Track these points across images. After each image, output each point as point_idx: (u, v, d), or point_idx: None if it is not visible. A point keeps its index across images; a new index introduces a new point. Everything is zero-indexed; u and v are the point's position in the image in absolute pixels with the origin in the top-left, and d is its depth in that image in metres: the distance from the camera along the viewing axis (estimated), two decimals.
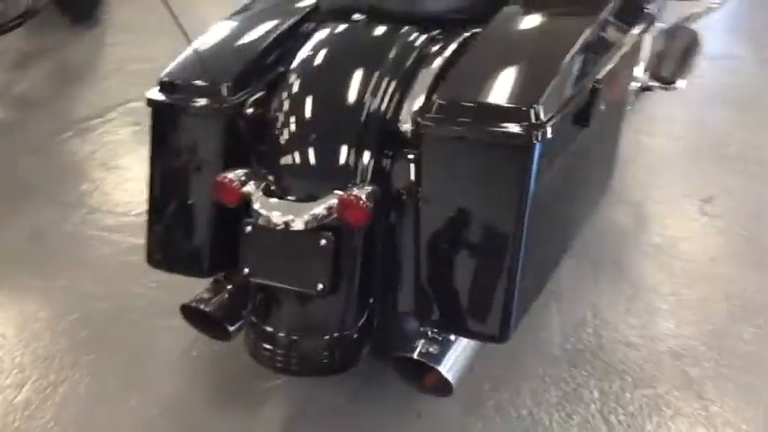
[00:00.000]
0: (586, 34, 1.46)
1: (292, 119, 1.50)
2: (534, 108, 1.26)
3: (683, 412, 1.73)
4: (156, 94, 1.63)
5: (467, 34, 1.59)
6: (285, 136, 1.49)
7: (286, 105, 1.51)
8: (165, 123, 1.64)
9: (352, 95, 1.47)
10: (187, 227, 1.64)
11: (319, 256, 1.40)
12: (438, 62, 1.52)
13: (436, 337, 1.45)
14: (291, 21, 1.72)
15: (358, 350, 1.49)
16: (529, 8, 1.58)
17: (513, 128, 1.26)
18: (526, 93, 1.30)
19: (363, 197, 1.35)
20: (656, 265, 2.22)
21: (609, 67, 1.56)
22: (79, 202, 2.62)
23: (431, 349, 1.42)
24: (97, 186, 2.72)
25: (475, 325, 1.37)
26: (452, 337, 1.46)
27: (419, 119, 1.35)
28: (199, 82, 1.58)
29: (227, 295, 1.65)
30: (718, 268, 2.19)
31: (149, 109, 1.64)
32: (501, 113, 1.28)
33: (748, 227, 2.37)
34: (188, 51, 1.70)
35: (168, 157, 1.64)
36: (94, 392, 1.82)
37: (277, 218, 1.39)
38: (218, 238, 1.61)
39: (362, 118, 1.43)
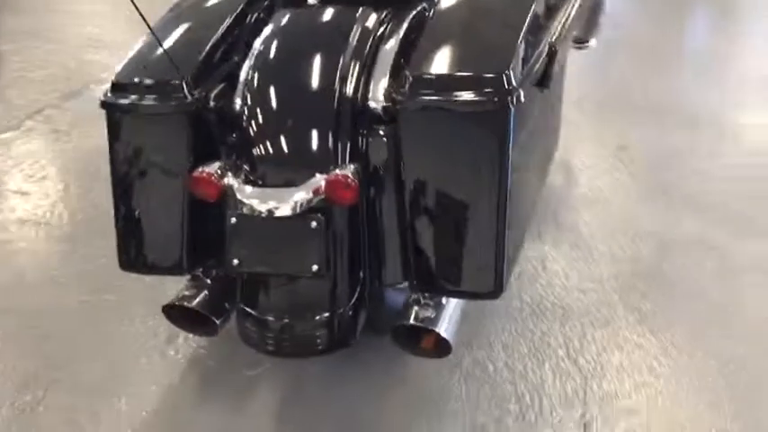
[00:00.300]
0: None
1: (263, 108, 1.51)
2: (506, 74, 1.34)
3: (642, 346, 1.89)
4: (110, 96, 1.60)
5: (414, 11, 1.64)
6: (258, 125, 1.51)
7: (254, 95, 1.52)
8: (124, 126, 1.61)
9: (320, 80, 1.50)
10: (161, 227, 1.63)
11: (311, 239, 1.43)
12: (394, 40, 1.57)
13: (428, 302, 1.52)
14: (237, 10, 1.72)
15: (354, 325, 1.55)
16: None
17: (489, 95, 1.34)
18: (496, 60, 1.38)
19: (350, 175, 1.39)
20: (589, 214, 2.39)
21: (559, 29, 1.65)
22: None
23: (427, 314, 1.49)
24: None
25: (470, 284, 1.45)
26: (444, 300, 1.53)
27: (395, 95, 1.40)
28: (156, 80, 1.57)
29: (209, 290, 1.65)
30: (639, 210, 2.39)
31: (102, 112, 1.61)
32: (474, 82, 1.36)
33: (659, 172, 2.58)
34: (136, 50, 1.68)
35: (131, 159, 1.62)
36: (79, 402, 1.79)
37: (263, 206, 1.41)
38: (194, 234, 1.62)
39: (334, 101, 1.47)
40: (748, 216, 2.35)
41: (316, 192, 1.41)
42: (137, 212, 1.65)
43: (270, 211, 1.40)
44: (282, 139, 1.49)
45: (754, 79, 3.35)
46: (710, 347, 1.86)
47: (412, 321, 1.50)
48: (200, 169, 1.48)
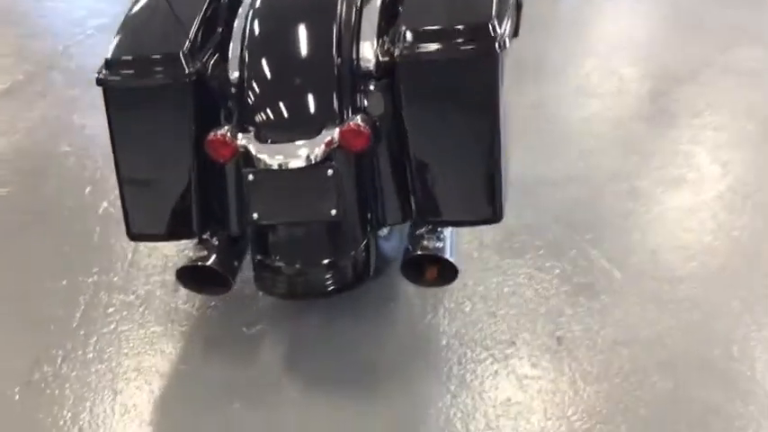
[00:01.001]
0: None
1: (268, 73, 1.63)
2: (492, 24, 1.53)
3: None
4: (106, 73, 1.66)
5: None
6: (265, 90, 1.62)
7: (256, 62, 1.63)
8: (125, 101, 1.68)
9: (318, 44, 1.64)
10: (171, 195, 1.71)
11: (328, 186, 1.57)
12: (374, 5, 1.72)
13: (432, 235, 1.69)
14: None
15: (368, 262, 1.70)
16: None
17: (480, 43, 1.52)
18: (480, 11, 1.55)
19: (362, 124, 1.54)
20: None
21: None
22: None
23: (436, 244, 1.66)
24: None
25: (474, 213, 1.64)
26: (445, 232, 1.71)
27: (392, 49, 1.56)
28: (155, 55, 1.65)
29: (219, 251, 1.75)
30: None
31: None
32: (464, 33, 1.53)
33: None
34: (123, 28, 1.74)
35: (134, 133, 1.69)
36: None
37: (284, 159, 1.54)
38: (203, 198, 1.71)
39: (333, 62, 1.61)
40: None
41: (329, 143, 1.54)
42: (145, 184, 1.73)
43: (290, 164, 1.53)
44: (290, 100, 1.61)
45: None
46: None
47: (423, 251, 1.66)
48: (213, 132, 1.58)
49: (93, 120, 2.63)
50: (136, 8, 1.80)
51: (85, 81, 2.94)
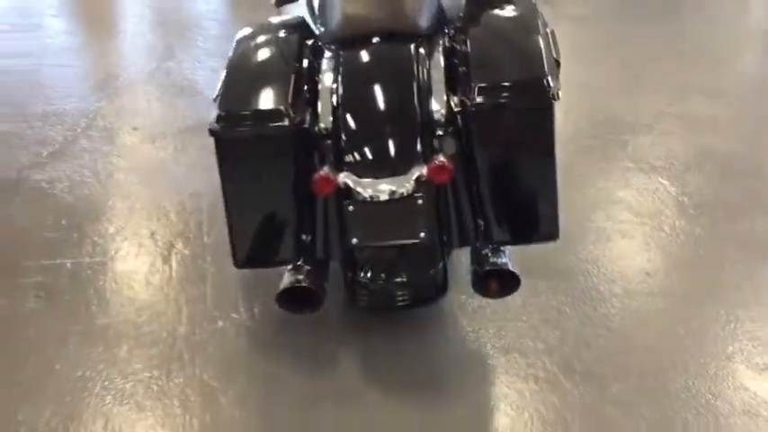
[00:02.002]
0: (541, 19, 2.12)
1: (361, 122, 1.97)
2: (546, 79, 1.91)
3: None
4: (217, 126, 1.95)
5: (442, 41, 2.17)
6: (359, 136, 1.96)
7: (350, 114, 1.97)
8: (234, 149, 1.98)
9: (402, 97, 1.99)
10: (273, 228, 2.01)
11: (418, 213, 1.90)
12: (437, 63, 2.09)
13: (496, 252, 2.03)
14: (296, 50, 2.14)
15: (447, 277, 2.03)
16: (481, 9, 2.19)
17: (537, 95, 1.90)
18: (536, 67, 1.93)
19: (446, 162, 1.89)
20: None
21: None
22: None
23: (503, 260, 2.00)
24: None
25: (537, 233, 2.00)
26: (505, 249, 2.05)
27: (467, 101, 1.92)
28: (261, 110, 1.96)
29: (312, 274, 2.04)
30: None
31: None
32: (524, 86, 1.91)
33: None
34: (225, 86, 2.05)
35: (241, 176, 1.99)
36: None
37: (383, 192, 1.86)
38: (300, 229, 2.02)
39: (416, 113, 1.96)
40: None
41: (418, 178, 1.88)
42: (249, 219, 2.02)
43: (390, 195, 1.86)
44: (382, 143, 1.95)
45: None
46: None
47: (500, 267, 1.99)
48: (319, 172, 1.90)
49: None
50: (233, 67, 2.11)
51: None
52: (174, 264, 2.56)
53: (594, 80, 3.92)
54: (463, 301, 2.35)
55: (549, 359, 2.17)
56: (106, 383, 2.09)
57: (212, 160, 3.04)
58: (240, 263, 2.04)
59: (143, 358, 2.17)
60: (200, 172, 3.02)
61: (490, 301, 2.25)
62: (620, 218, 2.87)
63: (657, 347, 2.22)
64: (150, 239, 2.68)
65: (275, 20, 2.36)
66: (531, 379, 2.10)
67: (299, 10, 2.65)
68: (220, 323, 2.31)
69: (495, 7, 2.23)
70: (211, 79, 3.79)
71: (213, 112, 1.98)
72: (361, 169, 1.91)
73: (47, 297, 2.41)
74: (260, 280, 2.42)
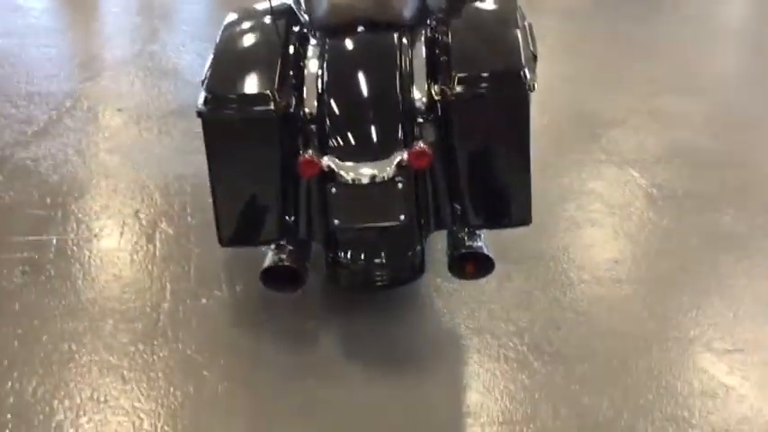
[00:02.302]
0: (519, 12, 2.21)
1: (345, 108, 2.04)
2: (523, 71, 2.00)
3: None
4: (204, 107, 2.02)
5: (424, 32, 2.25)
6: (343, 121, 2.03)
7: (335, 99, 2.04)
8: (221, 130, 2.04)
9: (385, 84, 2.07)
10: (259, 208, 2.08)
11: (398, 196, 1.98)
12: (419, 54, 2.17)
13: (471, 236, 2.12)
14: (283, 36, 2.21)
15: (423, 260, 2.11)
16: (462, 2, 2.27)
17: (515, 85, 1.99)
18: (514, 59, 2.02)
19: (426, 148, 1.97)
20: None
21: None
22: None
23: (478, 244, 2.09)
24: None
25: (510, 218, 2.09)
26: (479, 233, 2.14)
27: (447, 90, 2.00)
28: (248, 93, 2.03)
29: (295, 254, 2.12)
30: None
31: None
32: (504, 77, 2.00)
33: None
34: (212, 68, 2.11)
35: (227, 158, 2.06)
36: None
37: (364, 175, 1.94)
38: (284, 210, 2.09)
39: (398, 100, 2.04)
40: None
41: (399, 162, 1.96)
42: (235, 199, 2.09)
43: (371, 179, 1.94)
44: (365, 129, 2.03)
45: None
46: None
47: (476, 250, 2.08)
48: (304, 155, 1.97)
49: None
50: (221, 51, 2.17)
51: None
52: (157, 242, 2.62)
53: (571, 74, 4.02)
54: (439, 283, 2.43)
55: (519, 340, 2.27)
56: (92, 356, 2.15)
57: (196, 144, 3.10)
58: (225, 241, 2.11)
59: (128, 333, 2.23)
60: (185, 155, 3.08)
61: (464, 283, 2.34)
62: (591, 208, 2.98)
63: (623, 331, 2.32)
64: (134, 218, 2.74)
65: (262, 6, 2.42)
66: (502, 359, 2.19)
67: None
68: (204, 300, 2.37)
69: (477, 1, 2.31)
70: (195, 63, 3.86)
71: (201, 95, 2.04)
72: (344, 153, 1.99)
73: (32, 272, 2.46)
74: (241, 259, 2.50)
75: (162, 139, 3.22)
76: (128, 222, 2.71)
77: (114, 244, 2.61)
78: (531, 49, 2.12)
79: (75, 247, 2.59)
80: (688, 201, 3.04)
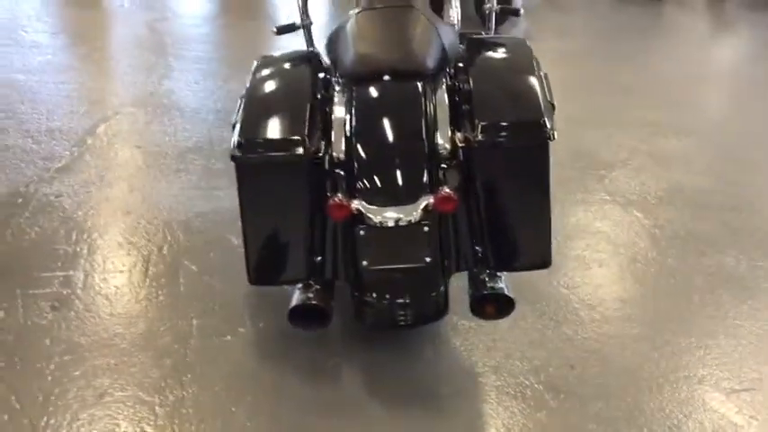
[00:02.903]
0: (536, 62, 2.32)
1: (373, 153, 2.13)
2: (543, 120, 2.09)
3: None
4: (238, 152, 2.10)
5: (445, 80, 2.35)
6: (372, 166, 2.12)
7: (363, 145, 2.13)
8: (254, 174, 2.13)
9: (411, 131, 2.16)
10: (287, 247, 2.16)
11: (424, 239, 2.07)
12: (442, 102, 2.26)
13: (492, 277, 2.20)
14: (309, 83, 2.30)
15: (447, 299, 2.19)
16: (480, 51, 2.38)
17: (535, 135, 2.09)
18: (534, 109, 2.12)
19: (452, 193, 2.06)
20: None
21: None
22: None
23: (500, 285, 2.17)
24: None
25: (532, 261, 2.18)
26: (500, 274, 2.22)
27: (471, 137, 2.09)
28: (280, 137, 2.12)
29: (322, 293, 2.19)
30: None
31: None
32: (524, 126, 2.10)
33: None
34: (244, 114, 2.20)
35: (259, 199, 2.14)
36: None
37: (392, 218, 2.03)
38: (312, 250, 2.17)
39: (425, 146, 2.13)
40: None
41: (426, 207, 2.05)
42: (266, 239, 2.17)
43: (399, 222, 2.02)
44: (393, 174, 2.11)
45: None
46: None
47: (498, 291, 2.15)
48: (334, 198, 2.06)
49: None
50: (252, 96, 2.27)
51: None
52: (182, 279, 2.69)
53: (573, 115, 4.14)
54: (455, 321, 2.52)
55: (535, 379, 2.35)
56: (125, 391, 2.21)
57: (214, 181, 3.23)
58: (254, 280, 2.18)
59: (158, 368, 2.30)
60: (204, 191, 3.17)
61: (480, 322, 2.42)
62: (598, 247, 3.08)
63: (635, 370, 2.41)
64: (159, 255, 2.81)
65: (287, 53, 2.52)
66: (520, 397, 2.27)
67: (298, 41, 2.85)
68: (229, 337, 2.44)
69: (494, 50, 2.42)
70: (208, 100, 3.97)
71: (234, 139, 2.12)
72: (372, 197, 2.07)
73: (62, 307, 2.52)
74: (263, 297, 2.58)
75: (180, 177, 3.30)
76: (152, 259, 2.78)
77: (140, 280, 2.67)
78: (549, 98, 2.22)
79: (102, 283, 2.65)
80: (691, 242, 3.15)
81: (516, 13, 3.27)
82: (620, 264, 3.00)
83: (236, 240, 2.83)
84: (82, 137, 3.55)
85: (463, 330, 2.54)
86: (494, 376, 2.37)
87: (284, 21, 2.85)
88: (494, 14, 3.22)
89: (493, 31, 3.30)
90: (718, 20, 6.69)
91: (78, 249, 2.80)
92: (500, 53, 2.42)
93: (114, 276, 2.69)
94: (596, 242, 3.13)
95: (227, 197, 3.09)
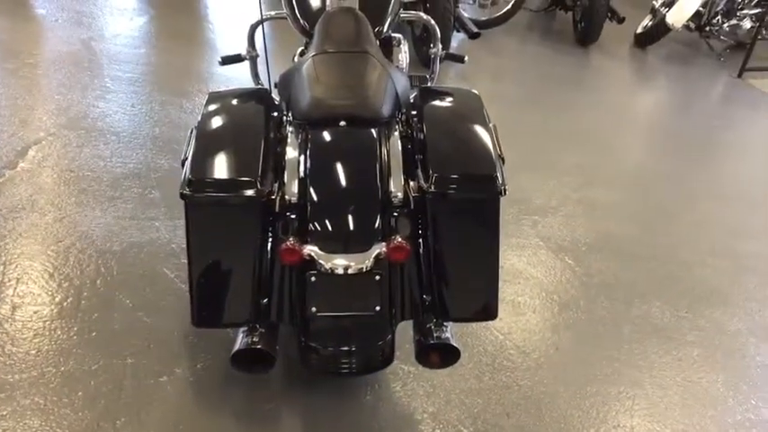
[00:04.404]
0: (486, 114, 2.37)
1: (326, 199, 2.12)
2: (495, 175, 2.14)
3: None
4: (188, 190, 2.06)
5: (398, 126, 2.37)
6: (325, 212, 2.11)
7: (316, 190, 2.12)
8: (203, 213, 2.08)
9: (365, 178, 2.16)
10: (234, 289, 2.12)
11: (375, 288, 2.07)
12: (396, 149, 2.28)
13: (439, 326, 2.22)
14: (263, 124, 2.28)
15: (393, 348, 2.19)
16: (432, 98, 2.42)
17: (487, 189, 2.12)
18: (487, 163, 2.15)
19: (404, 243, 2.07)
20: None
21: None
22: None
23: (446, 334, 2.19)
24: None
25: (478, 312, 2.19)
26: (446, 325, 2.24)
27: (424, 187, 2.11)
28: (232, 178, 2.08)
29: (266, 336, 2.16)
30: None
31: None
32: (477, 179, 2.13)
33: None
34: (196, 151, 2.15)
35: (207, 240, 2.10)
36: None
37: (344, 266, 2.02)
38: (259, 293, 2.14)
39: (378, 194, 2.13)
40: None
41: (378, 255, 2.06)
42: (213, 280, 2.12)
43: (348, 270, 2.02)
44: (345, 221, 2.10)
45: None
46: None
47: (446, 341, 2.17)
48: (287, 243, 2.04)
49: None
50: (203, 133, 2.22)
51: None
52: (116, 314, 2.60)
53: (509, 158, 4.23)
54: (396, 366, 2.53)
55: (473, 427, 2.38)
56: None
57: (151, 211, 3.14)
58: (198, 322, 2.13)
59: (89, 410, 2.21)
60: (139, 221, 3.08)
61: (421, 367, 2.43)
62: (532, 294, 3.16)
63: (567, 419, 2.47)
64: (91, 288, 2.71)
65: (240, 89, 2.50)
66: None
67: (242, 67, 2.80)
68: (165, 377, 2.37)
69: (447, 101, 2.46)
70: (146, 124, 3.86)
71: (184, 176, 2.08)
72: (325, 243, 2.06)
73: None
74: (200, 336, 2.52)
75: (115, 205, 3.20)
76: (85, 292, 2.68)
77: (72, 314, 2.57)
78: (499, 151, 2.26)
79: (31, 317, 2.54)
80: (619, 290, 3.27)
81: (461, 60, 3.34)
82: (553, 311, 3.07)
83: (173, 275, 2.78)
84: (11, 159, 3.40)
85: (403, 375, 2.55)
86: (432, 423, 2.38)
87: (225, 47, 2.82)
88: (438, 59, 3.30)
89: (437, 75, 3.37)
90: (640, 70, 6.99)
91: (6, 280, 2.67)
92: (453, 104, 2.46)
93: (44, 309, 2.57)
94: (530, 288, 3.20)
95: (164, 228, 3.02)
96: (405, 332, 2.27)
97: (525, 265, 3.38)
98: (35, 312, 2.56)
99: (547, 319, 3.03)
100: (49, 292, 2.66)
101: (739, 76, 7.23)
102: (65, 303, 2.62)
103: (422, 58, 5.29)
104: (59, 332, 2.49)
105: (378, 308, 2.07)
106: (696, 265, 3.64)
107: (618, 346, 2.92)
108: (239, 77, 3.95)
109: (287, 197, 2.15)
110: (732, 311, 3.29)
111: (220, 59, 3.16)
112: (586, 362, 2.79)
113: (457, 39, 6.10)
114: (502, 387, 2.59)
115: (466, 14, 6.01)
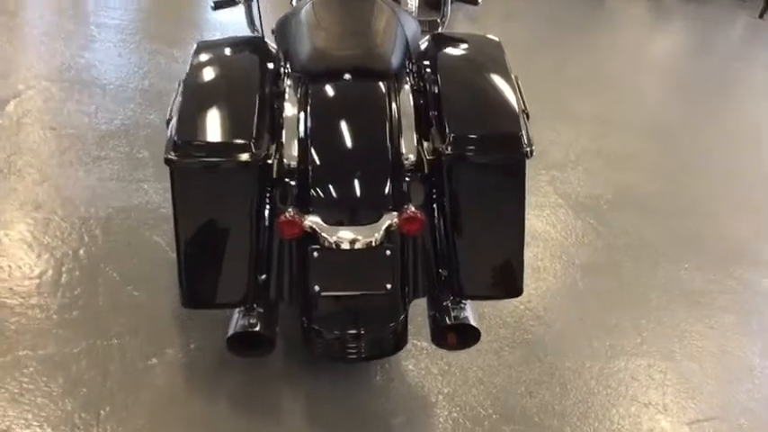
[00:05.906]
0: (509, 63, 2.09)
1: (330, 163, 1.87)
2: (521, 135, 1.88)
3: None
4: (174, 155, 1.80)
5: (408, 80, 2.11)
6: (329, 178, 1.86)
7: (318, 152, 1.87)
8: (191, 181, 1.83)
9: (374, 137, 1.90)
10: (228, 266, 1.88)
11: (385, 264, 1.84)
12: (407, 105, 2.02)
13: (456, 305, 1.99)
14: (258, 78, 2.02)
15: (407, 329, 1.97)
16: (447, 46, 2.14)
17: (512, 151, 1.87)
18: (512, 121, 1.89)
19: (418, 212, 1.82)
20: None
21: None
22: None
23: (464, 314, 1.96)
24: None
25: (501, 288, 1.96)
26: (464, 302, 2.02)
27: (441, 149, 1.86)
28: (224, 140, 1.83)
29: (265, 318, 1.94)
30: None
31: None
32: (502, 141, 1.87)
33: None
34: (183, 110, 1.89)
35: (197, 210, 1.86)
36: None
37: (351, 240, 1.79)
38: (255, 270, 1.91)
39: (388, 157, 1.88)
40: None
41: (388, 227, 1.82)
42: (204, 256, 1.88)
43: (356, 245, 1.78)
44: (353, 187, 1.86)
45: None
46: None
47: (455, 321, 1.95)
48: (285, 214, 1.80)
49: None
50: (191, 88, 1.95)
51: None
52: (101, 289, 2.38)
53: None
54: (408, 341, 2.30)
55: (492, 408, 2.19)
56: (29, 430, 1.91)
57: (139, 172, 2.90)
58: (188, 302, 1.90)
59: (72, 399, 2.00)
60: (127, 184, 2.85)
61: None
62: (554, 257, 2.93)
63: (594, 396, 2.28)
64: (73, 260, 2.49)
65: (232, 38, 2.23)
66: (478, 429, 2.09)
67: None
68: (154, 360, 2.16)
69: (464, 49, 2.19)
70: (135, 76, 3.59)
71: (169, 139, 1.83)
72: (328, 214, 1.83)
73: None
74: (193, 312, 2.29)
75: (100, 165, 2.95)
76: (66, 264, 2.45)
77: (52, 290, 2.35)
78: (524, 107, 2.00)
79: (6, 294, 2.32)
80: (644, 252, 3.07)
81: (474, 2, 3.05)
82: (575, 276, 2.86)
83: (165, 243, 2.55)
84: None
85: (416, 352, 2.35)
86: (449, 405, 2.18)
87: None
88: (449, 1, 3.00)
89: (448, 18, 3.08)
90: (657, 9, 6.66)
91: None
92: (470, 53, 2.18)
93: (21, 285, 2.35)
94: (550, 251, 2.99)
95: (153, 191, 2.78)
96: (417, 306, 2.04)
97: (545, 226, 3.15)
98: (9, 289, 2.33)
99: (569, 285, 2.81)
100: (27, 265, 2.43)
101: (760, 16, 6.90)
102: (44, 277, 2.39)
103: (429, 1, 4.97)
104: (37, 310, 2.27)
105: (389, 286, 1.84)
106: (722, 220, 3.42)
107: (646, 314, 2.70)
108: (235, 24, 3.67)
109: (285, 161, 1.91)
110: (763, 271, 3.07)
111: (213, 4, 2.86)
112: (612, 332, 2.58)
113: None
114: (522, 363, 2.38)
115: None
